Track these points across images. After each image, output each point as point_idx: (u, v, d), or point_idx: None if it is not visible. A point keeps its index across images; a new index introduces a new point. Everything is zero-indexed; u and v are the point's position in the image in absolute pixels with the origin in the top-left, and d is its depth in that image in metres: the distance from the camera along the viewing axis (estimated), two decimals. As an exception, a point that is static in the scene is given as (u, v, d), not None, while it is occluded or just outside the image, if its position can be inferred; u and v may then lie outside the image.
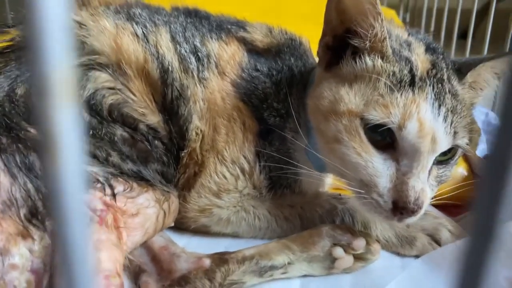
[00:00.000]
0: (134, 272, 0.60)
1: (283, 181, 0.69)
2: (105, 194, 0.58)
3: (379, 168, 0.56)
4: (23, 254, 0.51)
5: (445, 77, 0.58)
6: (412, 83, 0.56)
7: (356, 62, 0.59)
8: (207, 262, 0.58)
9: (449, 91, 0.57)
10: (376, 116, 0.55)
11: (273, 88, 0.68)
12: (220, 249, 0.64)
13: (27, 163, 0.56)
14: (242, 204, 0.69)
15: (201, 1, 0.78)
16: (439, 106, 0.56)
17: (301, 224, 0.68)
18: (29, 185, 0.55)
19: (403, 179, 0.55)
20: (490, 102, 1.01)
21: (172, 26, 0.69)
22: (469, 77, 0.61)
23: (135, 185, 0.61)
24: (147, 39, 0.66)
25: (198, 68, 0.68)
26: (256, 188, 0.69)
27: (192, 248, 0.64)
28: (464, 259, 0.20)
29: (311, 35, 0.76)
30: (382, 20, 0.56)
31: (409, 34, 0.64)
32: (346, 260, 0.61)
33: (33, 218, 0.54)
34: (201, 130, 0.68)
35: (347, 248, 0.61)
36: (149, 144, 0.64)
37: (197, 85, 0.67)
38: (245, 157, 0.68)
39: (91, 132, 0.60)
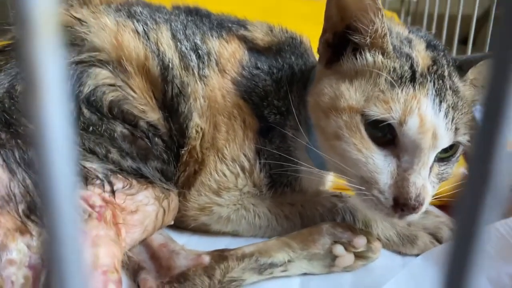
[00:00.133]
0: (133, 270, 0.60)
1: (284, 179, 0.69)
2: (104, 191, 0.57)
3: (380, 164, 0.56)
4: (21, 250, 0.51)
5: (446, 73, 0.58)
6: (412, 79, 0.56)
7: (356, 59, 0.59)
8: (206, 259, 0.58)
9: (450, 88, 0.57)
10: (376, 111, 0.55)
11: (273, 86, 0.68)
12: (220, 247, 0.63)
13: (26, 159, 0.56)
14: (242, 202, 0.68)
15: (201, 1, 0.78)
16: (440, 102, 0.56)
17: (302, 223, 0.68)
18: (28, 181, 0.55)
19: (404, 176, 0.55)
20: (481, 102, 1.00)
21: (173, 24, 0.70)
22: (470, 74, 0.61)
23: (134, 182, 0.61)
24: (148, 37, 0.66)
25: (198, 65, 0.68)
26: (256, 186, 0.69)
27: (191, 247, 0.64)
28: (448, 262, 0.20)
29: (311, 35, 0.76)
30: (382, 16, 0.55)
31: (409, 32, 0.64)
32: (346, 258, 0.61)
33: (32, 213, 0.54)
34: (201, 128, 0.68)
35: (347, 246, 0.61)
36: (149, 141, 0.64)
37: (198, 82, 0.67)
38: (245, 155, 0.68)
39: (91, 129, 0.60)
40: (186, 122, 0.67)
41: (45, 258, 0.54)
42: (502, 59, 0.17)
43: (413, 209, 0.55)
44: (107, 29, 0.64)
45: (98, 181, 0.57)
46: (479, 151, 0.18)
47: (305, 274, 0.62)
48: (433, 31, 1.51)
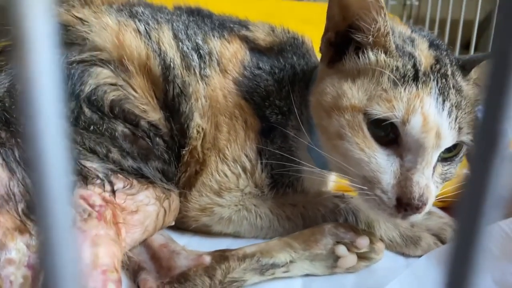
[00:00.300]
0: (133, 270, 0.59)
1: (285, 180, 0.68)
2: (104, 190, 0.57)
3: (383, 164, 0.55)
4: (20, 249, 0.51)
5: (449, 72, 0.58)
6: (415, 78, 0.56)
7: (359, 58, 0.58)
8: (207, 259, 0.57)
9: (453, 87, 0.57)
10: (379, 110, 0.54)
11: (275, 86, 0.68)
12: (221, 248, 0.63)
13: (26, 158, 0.55)
14: (244, 203, 0.68)
15: (203, 4, 0.78)
16: (443, 101, 0.55)
17: (303, 224, 0.67)
18: (28, 180, 0.55)
19: (407, 175, 0.54)
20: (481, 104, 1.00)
21: (174, 24, 0.69)
22: (473, 73, 0.61)
23: (135, 182, 0.60)
24: (149, 36, 0.66)
25: (200, 65, 0.68)
26: (258, 186, 0.68)
27: (192, 248, 0.63)
28: (449, 262, 0.19)
29: (312, 38, 0.76)
30: (385, 14, 0.55)
31: (412, 31, 0.63)
32: (349, 258, 0.60)
33: (31, 213, 0.54)
34: (202, 128, 0.67)
35: (350, 246, 0.60)
36: (150, 141, 0.63)
37: (199, 82, 0.67)
38: (246, 155, 0.67)
39: (91, 128, 0.59)
40: (187, 122, 0.66)
41: (40, 258, 0.53)
42: (502, 59, 0.17)
43: (417, 209, 0.54)
44: (108, 29, 0.64)
45: (98, 181, 0.57)
46: (480, 150, 0.18)
47: (307, 275, 0.61)
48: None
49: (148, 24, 0.67)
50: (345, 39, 0.60)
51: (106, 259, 0.51)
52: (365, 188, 0.56)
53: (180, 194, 0.67)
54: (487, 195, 0.18)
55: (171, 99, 0.66)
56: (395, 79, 0.55)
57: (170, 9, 0.74)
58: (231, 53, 0.70)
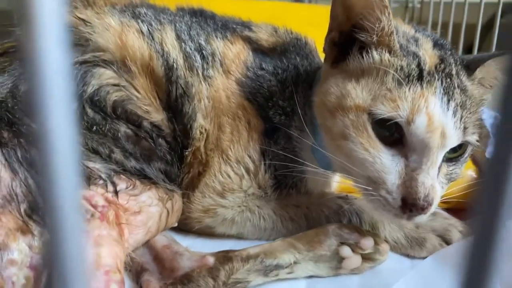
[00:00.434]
0: (136, 271, 0.59)
1: (289, 181, 0.68)
2: (107, 191, 0.57)
3: (387, 164, 0.55)
4: (22, 250, 0.50)
5: (453, 72, 0.57)
6: (420, 78, 0.55)
7: (363, 57, 0.58)
8: (210, 260, 0.56)
9: (458, 86, 0.56)
10: (384, 110, 0.54)
11: (278, 86, 0.68)
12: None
13: (28, 158, 0.55)
14: (247, 204, 0.67)
15: (206, 6, 0.78)
16: (448, 100, 0.55)
17: (307, 225, 0.67)
18: (30, 180, 0.54)
19: (412, 175, 0.54)
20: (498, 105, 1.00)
21: (177, 25, 0.69)
22: (478, 73, 0.60)
23: (138, 183, 0.60)
24: (152, 37, 0.66)
25: (203, 66, 0.67)
26: (261, 187, 0.68)
27: (196, 250, 0.63)
28: (467, 262, 0.19)
29: (315, 40, 0.76)
30: (389, 14, 0.55)
31: (416, 31, 0.63)
32: (353, 259, 0.59)
33: (34, 213, 0.53)
34: (205, 129, 0.67)
35: (354, 247, 0.60)
36: (153, 142, 0.63)
37: (202, 83, 0.67)
38: (250, 156, 0.67)
39: (94, 128, 0.59)
40: (190, 123, 0.66)
41: (46, 258, 0.53)
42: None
43: (422, 209, 0.54)
44: (111, 29, 0.64)
45: (101, 181, 0.57)
46: (499, 150, 0.18)
47: (311, 276, 0.61)
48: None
49: (151, 25, 0.67)
50: (349, 39, 0.59)
51: (108, 259, 0.50)
52: (370, 188, 0.56)
53: (183, 195, 0.67)
54: (504, 194, 0.18)
55: (174, 100, 0.65)
56: (400, 78, 0.55)
57: (173, 10, 0.74)
58: (234, 53, 0.70)
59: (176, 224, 0.66)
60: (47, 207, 0.18)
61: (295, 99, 0.66)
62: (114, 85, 0.62)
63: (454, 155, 0.58)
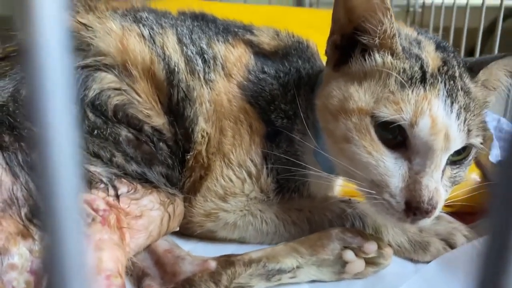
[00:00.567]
0: (137, 276, 0.58)
1: (291, 184, 0.68)
2: (108, 195, 0.56)
3: (391, 167, 0.54)
4: (23, 254, 0.50)
5: (456, 74, 0.57)
6: (423, 80, 0.55)
7: (365, 60, 0.58)
8: (212, 264, 0.56)
9: (461, 88, 0.56)
10: (387, 113, 0.54)
11: (280, 89, 0.67)
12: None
13: (29, 162, 0.55)
14: (249, 208, 0.67)
15: (207, 10, 0.78)
16: (452, 103, 0.54)
17: (310, 229, 0.66)
18: (31, 184, 0.54)
19: (416, 178, 0.53)
20: (501, 108, 0.99)
21: (178, 29, 0.69)
22: (481, 75, 0.60)
23: (139, 186, 0.59)
24: (153, 41, 0.66)
25: (204, 69, 0.67)
26: (263, 191, 0.67)
27: (197, 254, 0.62)
28: (481, 266, 0.19)
29: (317, 43, 0.75)
30: (391, 16, 0.55)
31: (418, 33, 0.63)
32: (357, 264, 0.59)
33: (34, 217, 0.53)
34: (207, 133, 0.67)
35: (358, 251, 0.59)
36: (154, 146, 0.63)
37: (203, 86, 0.66)
38: (252, 160, 0.67)
39: (95, 132, 0.59)
40: (191, 127, 0.66)
41: (47, 262, 0.53)
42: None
43: (426, 213, 0.53)
44: (112, 34, 0.64)
45: (102, 185, 0.56)
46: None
47: (314, 281, 0.60)
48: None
49: (153, 29, 0.67)
50: (351, 42, 0.59)
51: (110, 263, 0.50)
52: (373, 192, 0.55)
53: (185, 199, 0.66)
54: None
55: (175, 104, 0.65)
56: (403, 81, 0.54)
57: (174, 14, 0.74)
58: (236, 57, 0.69)
59: (177, 228, 0.65)
60: (47, 211, 0.18)
61: (297, 102, 0.66)
62: (115, 89, 0.62)
63: (458, 158, 0.58)
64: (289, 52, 0.71)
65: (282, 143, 0.67)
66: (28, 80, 0.17)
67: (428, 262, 0.63)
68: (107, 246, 0.51)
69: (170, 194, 0.62)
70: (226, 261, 0.57)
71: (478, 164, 0.82)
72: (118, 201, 0.57)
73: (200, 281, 0.54)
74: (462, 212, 0.72)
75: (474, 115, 0.56)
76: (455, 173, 0.58)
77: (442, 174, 0.56)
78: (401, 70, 0.55)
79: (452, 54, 0.60)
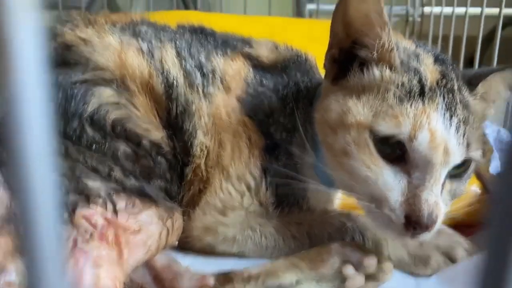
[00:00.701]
0: (135, 292, 0.58)
1: (290, 198, 0.67)
2: (106, 210, 0.56)
3: (390, 181, 0.54)
4: (21, 272, 0.49)
5: (455, 87, 0.57)
6: (421, 94, 0.55)
7: (363, 74, 0.58)
8: (211, 280, 0.55)
9: (460, 102, 0.56)
10: (385, 127, 0.54)
11: (279, 102, 0.67)
12: (225, 269, 0.61)
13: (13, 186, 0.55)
14: (248, 222, 0.67)
15: (206, 23, 0.79)
16: (451, 116, 0.54)
17: (310, 243, 0.66)
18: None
19: (416, 192, 0.53)
20: (501, 119, 0.99)
21: (177, 42, 0.69)
22: (481, 88, 0.60)
23: (137, 201, 0.59)
24: (152, 54, 0.66)
25: (203, 83, 0.67)
26: (263, 205, 0.67)
27: (196, 268, 0.62)
28: (481, 279, 0.18)
29: (316, 56, 0.76)
30: (389, 30, 0.55)
31: (416, 46, 0.63)
32: (357, 279, 0.58)
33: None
34: (206, 146, 0.66)
35: (357, 266, 0.59)
36: (152, 160, 0.63)
37: (202, 100, 0.66)
38: (251, 173, 0.66)
39: (94, 147, 0.59)
40: (190, 140, 0.66)
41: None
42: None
43: (426, 227, 0.53)
44: (111, 48, 0.64)
45: (100, 200, 0.56)
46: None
47: (314, 296, 0.60)
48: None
49: (151, 42, 0.67)
50: (349, 55, 0.59)
51: (107, 281, 0.50)
52: (373, 206, 0.55)
53: (184, 213, 0.66)
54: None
55: (174, 117, 0.65)
56: (401, 95, 0.54)
57: (173, 28, 0.74)
58: (235, 70, 0.70)
59: (176, 243, 0.65)
60: (26, 239, 0.17)
61: (296, 115, 0.66)
62: (114, 103, 0.62)
63: (458, 171, 0.57)
64: (287, 65, 0.71)
65: (281, 156, 0.67)
66: (5, 106, 0.16)
67: (429, 276, 0.63)
68: (105, 263, 0.51)
69: (169, 208, 0.62)
70: (225, 278, 0.56)
71: (479, 175, 0.81)
72: (117, 216, 0.57)
73: (199, 297, 0.54)
74: (462, 225, 0.71)
75: (473, 129, 0.56)
76: (455, 187, 0.58)
77: (442, 188, 0.55)
78: (400, 84, 0.55)
79: (450, 67, 0.60)
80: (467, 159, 0.56)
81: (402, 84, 0.55)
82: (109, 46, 0.64)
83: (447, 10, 1.58)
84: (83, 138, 0.59)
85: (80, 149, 0.59)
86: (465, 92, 0.58)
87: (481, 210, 0.72)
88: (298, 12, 1.87)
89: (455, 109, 0.55)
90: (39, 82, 0.16)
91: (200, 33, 0.74)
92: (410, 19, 1.71)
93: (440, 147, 0.53)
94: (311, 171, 0.66)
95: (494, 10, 1.19)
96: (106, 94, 0.62)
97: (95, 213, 0.56)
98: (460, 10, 1.43)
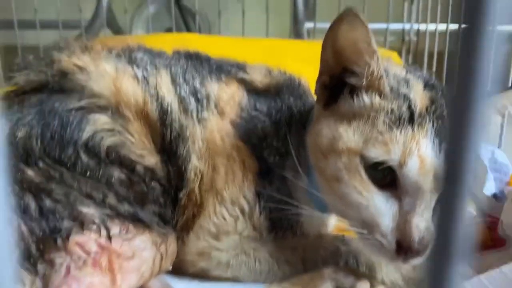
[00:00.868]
0: (128, 319, 0.58)
1: (284, 222, 0.68)
2: (100, 236, 0.57)
3: (381, 207, 0.55)
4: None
5: (445, 113, 0.58)
6: (411, 120, 0.56)
7: (353, 100, 0.59)
8: (203, 307, 0.56)
9: None
10: (375, 153, 0.54)
11: (272, 127, 0.68)
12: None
13: (21, 205, 0.56)
14: (242, 246, 0.67)
15: (202, 46, 0.80)
16: (440, 142, 0.55)
17: (304, 268, 0.66)
18: (24, 227, 0.55)
19: (406, 218, 0.53)
20: (495, 140, 1.00)
21: (172, 69, 0.70)
22: None
23: (131, 227, 0.60)
24: (147, 81, 0.67)
25: (197, 108, 0.68)
26: (257, 229, 0.67)
27: (190, 293, 0.62)
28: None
29: (311, 77, 0.76)
30: (378, 58, 0.56)
31: (407, 72, 0.64)
32: (350, 304, 0.58)
33: (25, 261, 0.53)
34: (200, 170, 0.67)
35: (351, 291, 0.59)
36: (146, 186, 0.63)
37: (196, 125, 0.67)
38: (244, 197, 0.67)
39: (88, 174, 0.60)
40: (184, 165, 0.66)
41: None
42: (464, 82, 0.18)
43: (417, 252, 0.53)
44: (106, 76, 0.65)
45: (94, 226, 0.57)
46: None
47: (307, 322, 0.60)
48: (434, 68, 1.53)
49: (147, 69, 0.68)
50: (340, 82, 0.60)
51: (100, 309, 0.50)
52: (365, 231, 0.55)
53: (178, 238, 0.66)
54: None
55: (168, 143, 0.66)
56: (390, 122, 0.55)
57: (169, 54, 0.75)
58: (229, 95, 0.70)
59: (170, 268, 0.65)
60: None
61: (289, 139, 0.66)
62: (109, 130, 0.63)
63: (449, 196, 0.58)
64: (281, 89, 0.72)
65: (275, 181, 0.67)
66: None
67: (422, 300, 0.63)
68: (97, 291, 0.51)
69: (163, 233, 0.62)
70: (218, 304, 0.56)
71: (473, 197, 0.81)
72: (111, 242, 0.57)
73: (191, 325, 0.54)
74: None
75: None
76: (446, 212, 0.58)
77: (433, 213, 0.56)
78: (389, 111, 0.56)
79: (440, 93, 0.61)
80: None
81: (392, 111, 0.56)
82: (104, 74, 0.65)
83: (442, 27, 1.60)
84: (78, 165, 0.60)
85: (74, 175, 0.59)
86: (455, 118, 0.59)
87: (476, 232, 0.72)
88: (296, 30, 1.88)
89: (444, 135, 0.55)
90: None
91: (196, 58, 0.75)
92: (407, 38, 1.73)
93: (430, 173, 0.53)
94: (304, 195, 0.66)
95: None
96: (101, 121, 0.63)
97: (89, 240, 0.56)
98: (454, 26, 1.46)
